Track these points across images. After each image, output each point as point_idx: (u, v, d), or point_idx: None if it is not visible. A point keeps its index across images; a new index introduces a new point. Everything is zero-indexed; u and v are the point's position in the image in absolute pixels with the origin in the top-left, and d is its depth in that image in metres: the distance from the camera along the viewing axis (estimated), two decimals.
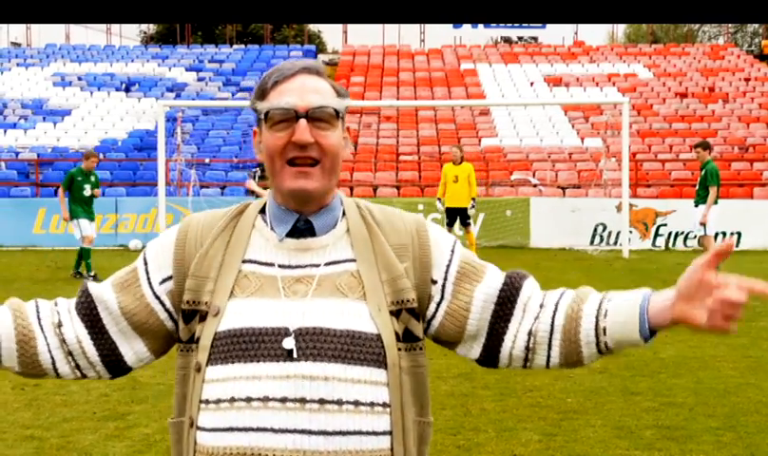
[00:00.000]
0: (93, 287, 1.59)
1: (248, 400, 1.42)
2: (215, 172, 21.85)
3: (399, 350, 1.49)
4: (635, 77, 28.69)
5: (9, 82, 28.52)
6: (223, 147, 23.69)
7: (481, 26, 34.49)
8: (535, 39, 36.79)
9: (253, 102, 1.56)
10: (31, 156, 22.69)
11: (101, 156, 22.58)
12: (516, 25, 35.23)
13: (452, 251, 1.60)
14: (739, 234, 17.51)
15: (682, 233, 18.06)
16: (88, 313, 1.57)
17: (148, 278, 1.57)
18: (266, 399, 1.41)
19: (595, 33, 69.18)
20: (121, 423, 5.21)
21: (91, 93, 27.37)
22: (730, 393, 5.90)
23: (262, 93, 1.54)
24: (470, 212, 14.55)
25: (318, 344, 1.43)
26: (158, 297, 1.57)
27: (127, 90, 27.72)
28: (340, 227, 1.56)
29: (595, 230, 18.27)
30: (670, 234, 18.22)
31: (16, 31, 39.85)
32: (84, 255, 12.71)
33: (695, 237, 14.42)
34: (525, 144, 23.55)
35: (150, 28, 45.13)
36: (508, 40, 38.56)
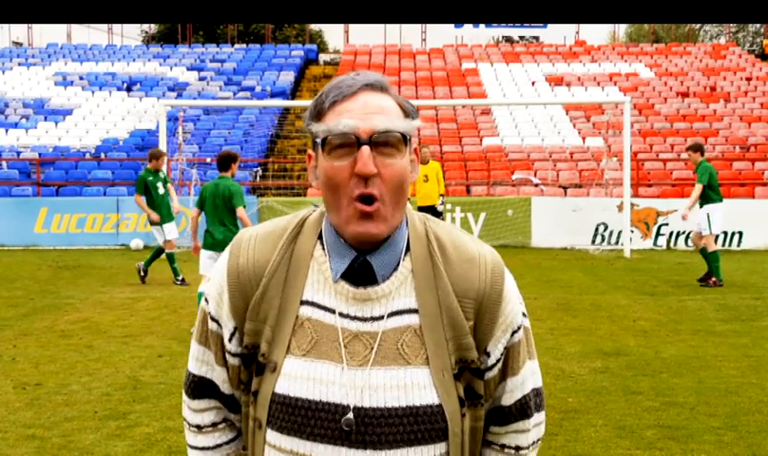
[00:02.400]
0: (198, 373, 1.52)
1: None
2: (216, 172, 21.83)
3: (463, 415, 1.39)
4: (636, 76, 28.68)
5: (11, 81, 28.55)
6: (225, 147, 23.68)
7: (482, 25, 34.48)
8: (537, 38, 36.73)
9: (308, 122, 1.40)
10: (33, 155, 22.71)
11: (102, 155, 22.67)
12: (518, 24, 35.22)
13: (515, 332, 1.46)
14: (741, 233, 17.51)
15: (684, 232, 18.04)
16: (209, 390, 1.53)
17: (222, 339, 1.47)
18: None
19: (596, 33, 69.22)
20: (122, 422, 5.21)
21: (93, 93, 27.39)
22: (731, 393, 5.89)
23: (318, 113, 1.38)
24: (440, 208, 14.74)
25: (378, 428, 1.33)
26: (235, 354, 1.46)
27: (129, 90, 27.74)
28: (403, 268, 1.40)
29: (596, 229, 18.26)
30: (671, 233, 18.20)
31: (18, 31, 39.92)
32: (169, 259, 11.96)
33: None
34: (526, 144, 23.55)
35: (152, 27, 45.19)
36: (509, 39, 38.53)
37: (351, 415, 1.33)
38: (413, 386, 1.35)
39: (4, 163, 22.53)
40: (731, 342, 7.69)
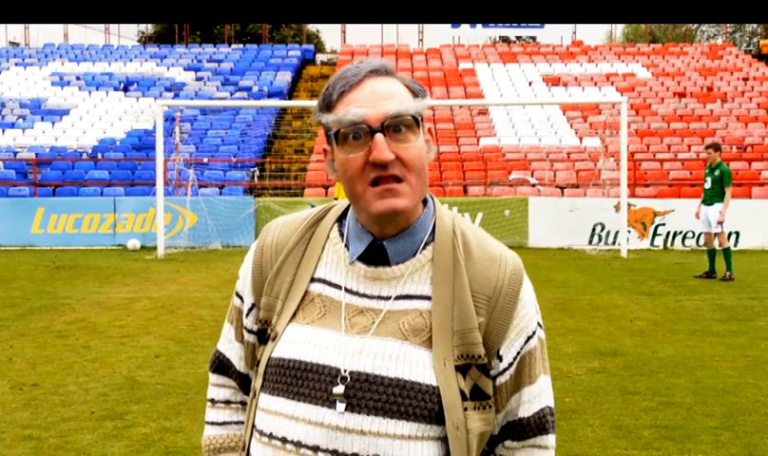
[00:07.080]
0: (221, 350, 1.58)
1: (284, 440, 1.35)
2: (213, 171, 21.85)
3: (466, 409, 1.34)
4: (633, 77, 28.71)
5: (8, 81, 28.52)
6: (222, 147, 23.68)
7: (479, 25, 34.49)
8: (534, 39, 36.76)
9: (318, 114, 1.39)
10: (30, 155, 22.69)
11: (99, 155, 22.64)
12: (515, 24, 35.24)
13: (530, 338, 1.42)
14: (738, 233, 17.53)
15: (681, 232, 18.07)
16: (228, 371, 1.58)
17: (241, 314, 1.52)
18: (299, 444, 1.33)
19: (593, 33, 69.30)
20: (119, 422, 5.20)
21: (90, 93, 27.36)
22: (728, 393, 5.90)
23: (328, 105, 1.37)
24: None
25: (361, 393, 1.31)
26: (251, 331, 1.49)
27: (126, 90, 27.71)
28: (423, 256, 1.40)
29: (593, 229, 18.28)
30: (668, 233, 18.22)
31: (14, 31, 39.84)
32: None
33: (701, 234, 14.71)
34: (523, 144, 23.57)
35: (148, 27, 45.15)
36: (506, 40, 38.54)
37: (341, 387, 1.31)
38: (406, 360, 1.32)
39: (1, 163, 22.50)
40: (728, 342, 7.70)
